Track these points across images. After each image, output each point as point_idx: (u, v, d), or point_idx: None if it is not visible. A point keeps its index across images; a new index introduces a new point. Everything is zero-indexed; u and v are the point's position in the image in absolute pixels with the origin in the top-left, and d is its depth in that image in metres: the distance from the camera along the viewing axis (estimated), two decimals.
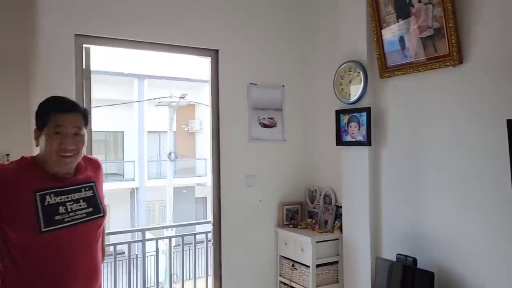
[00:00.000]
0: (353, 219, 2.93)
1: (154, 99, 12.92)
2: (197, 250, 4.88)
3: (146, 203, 14.42)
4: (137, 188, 14.30)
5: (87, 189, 1.69)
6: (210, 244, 3.24)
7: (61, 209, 1.56)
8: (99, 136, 14.19)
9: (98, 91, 11.87)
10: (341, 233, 3.05)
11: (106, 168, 14.55)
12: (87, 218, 1.63)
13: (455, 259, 2.36)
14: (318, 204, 3.33)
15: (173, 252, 4.92)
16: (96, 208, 1.68)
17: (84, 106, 2.69)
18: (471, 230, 2.29)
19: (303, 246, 3.04)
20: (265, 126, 3.29)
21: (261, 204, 3.28)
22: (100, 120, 12.19)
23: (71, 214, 1.58)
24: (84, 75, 2.71)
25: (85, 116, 1.67)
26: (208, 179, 15.85)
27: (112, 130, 14.21)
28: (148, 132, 14.35)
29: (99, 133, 13.91)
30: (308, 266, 3.00)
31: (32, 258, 1.50)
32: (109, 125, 13.36)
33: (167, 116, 13.63)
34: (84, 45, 2.70)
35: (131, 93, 13.49)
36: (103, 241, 1.83)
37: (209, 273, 3.34)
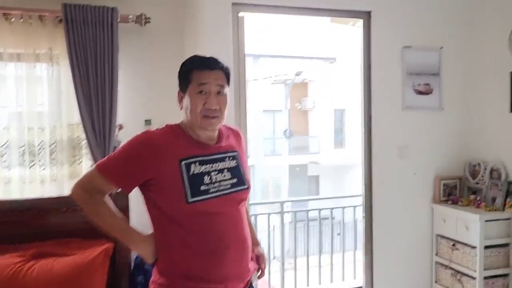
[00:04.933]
0: None
1: (270, 77, 13.07)
2: (310, 228, 4.80)
3: (260, 180, 14.82)
4: (253, 166, 14.75)
5: (230, 158, 1.60)
6: (360, 217, 3.10)
7: (206, 179, 1.49)
8: None
9: None
10: None
11: None
12: (231, 190, 1.54)
13: None
14: (482, 179, 2.97)
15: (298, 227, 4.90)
16: (240, 179, 1.58)
17: (240, 83, 2.71)
18: None
19: (468, 224, 2.75)
20: (420, 93, 3.01)
21: (415, 177, 3.04)
22: None
23: (216, 184, 1.51)
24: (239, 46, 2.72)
25: (227, 74, 1.56)
26: (321, 158, 15.78)
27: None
28: (263, 111, 14.61)
29: None
30: (474, 247, 2.71)
31: (183, 225, 1.48)
32: None
33: (283, 94, 13.74)
34: (239, 14, 2.70)
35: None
36: (247, 214, 1.75)
37: (357, 248, 3.21)
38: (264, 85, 14.03)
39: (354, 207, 4.39)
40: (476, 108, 3.08)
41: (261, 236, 5.22)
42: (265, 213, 4.21)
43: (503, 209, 2.77)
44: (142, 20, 2.67)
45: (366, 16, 2.91)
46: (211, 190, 1.50)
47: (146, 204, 1.55)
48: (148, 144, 1.49)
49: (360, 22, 2.96)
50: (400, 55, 2.95)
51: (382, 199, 2.97)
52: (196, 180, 1.48)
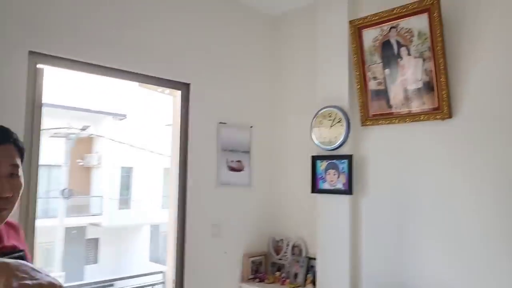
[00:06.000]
0: (329, 271, 2.77)
1: (50, 129, 11.63)
2: None
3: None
4: None
5: None
6: None
7: None
8: None
9: None
10: (314, 287, 2.86)
11: None
12: None
13: None
14: (285, 255, 3.11)
15: None
16: None
17: (32, 137, 2.19)
18: (460, 283, 2.28)
19: None
20: (233, 169, 3.02)
21: (226, 255, 2.95)
22: None
23: None
24: (35, 101, 2.21)
25: (20, 149, 1.19)
26: (103, 219, 14.59)
27: None
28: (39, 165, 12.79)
29: None
30: None
31: None
32: None
33: (63, 149, 12.36)
34: (38, 65, 2.21)
35: None
36: None
37: None
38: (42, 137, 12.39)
39: (152, 285, 4.02)
40: (280, 187, 3.28)
41: None
42: None
43: (304, 285, 2.92)
44: None
45: (185, 88, 2.81)
46: None
47: None
48: None
49: (170, 90, 2.85)
50: (216, 130, 2.94)
51: (193, 280, 2.75)
52: None
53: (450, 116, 2.40)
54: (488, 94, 2.27)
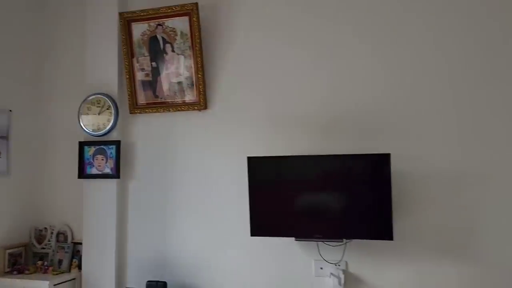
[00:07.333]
0: (95, 254, 2.84)
1: None
2: None
3: None
4: None
5: None
6: None
7: None
8: None
9: None
10: (80, 271, 2.88)
11: None
12: None
13: (201, 276, 2.73)
14: (49, 244, 3.01)
15: None
16: None
17: None
18: (212, 251, 2.72)
19: None
20: None
21: None
22: None
23: None
24: None
25: None
26: None
27: None
28: None
29: None
30: None
31: None
32: None
33: None
34: None
35: None
36: None
37: None
38: None
39: None
40: (44, 174, 3.14)
41: None
42: None
43: (70, 270, 2.90)
44: None
45: None
46: None
47: None
48: None
49: None
50: None
51: None
52: None
53: (206, 107, 2.80)
54: (235, 90, 2.76)
